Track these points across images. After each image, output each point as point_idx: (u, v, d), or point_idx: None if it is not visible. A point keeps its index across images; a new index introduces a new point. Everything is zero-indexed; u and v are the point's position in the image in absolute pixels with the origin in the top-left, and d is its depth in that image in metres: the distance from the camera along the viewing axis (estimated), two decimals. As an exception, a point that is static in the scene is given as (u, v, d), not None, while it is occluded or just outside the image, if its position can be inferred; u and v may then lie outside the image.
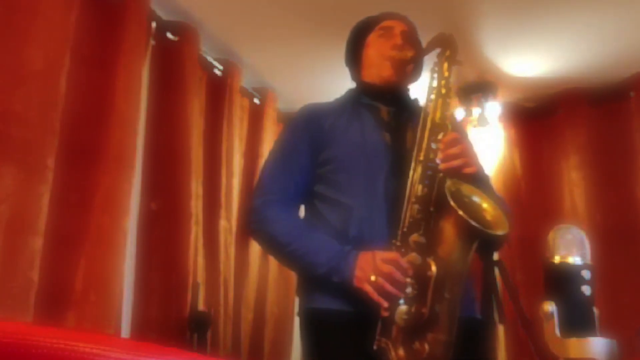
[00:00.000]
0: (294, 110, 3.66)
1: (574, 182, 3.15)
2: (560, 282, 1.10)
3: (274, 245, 1.56)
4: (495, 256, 1.55)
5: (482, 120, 3.18)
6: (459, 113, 3.27)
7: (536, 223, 3.01)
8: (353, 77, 1.76)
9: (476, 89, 3.17)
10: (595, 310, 1.08)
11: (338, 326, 1.41)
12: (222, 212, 2.69)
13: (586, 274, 1.09)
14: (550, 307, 1.07)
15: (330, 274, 1.40)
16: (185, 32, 2.59)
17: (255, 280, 2.89)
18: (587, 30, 2.70)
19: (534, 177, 3.29)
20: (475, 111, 3.18)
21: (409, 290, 1.33)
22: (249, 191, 2.93)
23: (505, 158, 3.30)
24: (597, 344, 1.04)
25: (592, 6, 2.55)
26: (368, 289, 1.34)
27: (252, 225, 1.59)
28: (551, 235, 1.14)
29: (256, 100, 3.17)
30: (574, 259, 1.10)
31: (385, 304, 1.32)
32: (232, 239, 2.73)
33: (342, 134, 1.57)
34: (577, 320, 1.06)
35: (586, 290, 1.08)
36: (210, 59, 2.83)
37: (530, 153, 3.34)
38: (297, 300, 3.29)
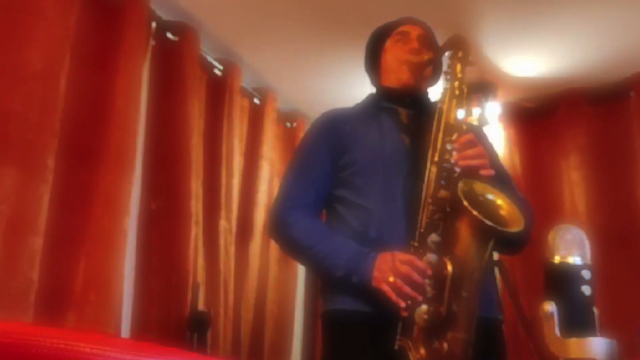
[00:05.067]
0: (294, 110, 3.67)
1: (574, 182, 3.15)
2: (560, 282, 1.10)
3: (296, 250, 1.58)
4: (495, 256, 1.55)
5: (482, 120, 3.17)
6: (459, 113, 3.27)
7: (536, 223, 3.01)
8: (372, 83, 1.78)
9: (476, 89, 3.16)
10: (595, 310, 1.08)
11: (359, 327, 1.42)
12: (222, 212, 2.69)
13: (586, 274, 1.09)
14: (550, 307, 1.07)
15: (349, 275, 1.42)
16: (185, 32, 2.59)
17: (255, 280, 2.89)
18: (587, 30, 2.70)
19: (534, 177, 3.29)
20: (475, 111, 3.17)
21: (427, 290, 1.34)
22: (249, 191, 2.94)
23: (505, 158, 3.30)
24: (597, 344, 1.04)
25: (592, 6, 2.55)
26: (386, 289, 1.35)
27: (275, 231, 1.61)
28: (551, 235, 1.14)
29: (256, 100, 3.17)
30: (574, 259, 1.10)
31: (403, 304, 1.33)
32: (232, 239, 2.73)
33: (361, 138, 1.59)
34: (577, 320, 1.06)
35: (586, 290, 1.08)
36: (210, 59, 2.83)
37: (530, 153, 3.33)
38: (297, 300, 3.30)
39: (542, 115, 3.33)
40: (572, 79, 3.09)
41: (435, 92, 1.71)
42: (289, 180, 1.67)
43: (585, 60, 2.93)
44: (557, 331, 1.05)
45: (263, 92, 3.18)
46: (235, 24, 2.71)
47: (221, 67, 2.88)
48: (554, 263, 1.11)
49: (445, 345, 1.30)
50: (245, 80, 3.01)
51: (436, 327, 1.31)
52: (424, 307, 1.33)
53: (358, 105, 1.73)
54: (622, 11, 2.56)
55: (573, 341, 1.04)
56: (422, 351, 1.31)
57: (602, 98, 3.18)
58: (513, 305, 1.37)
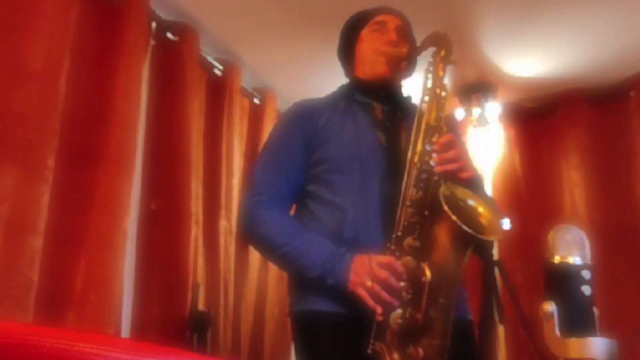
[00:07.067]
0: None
1: (574, 182, 3.15)
2: (560, 282, 1.10)
3: (267, 247, 1.51)
4: (495, 256, 1.55)
5: (482, 120, 3.18)
6: (459, 113, 3.28)
7: (536, 223, 3.01)
8: (346, 73, 1.73)
9: (476, 89, 3.17)
10: (595, 310, 1.08)
11: (331, 328, 1.38)
12: (222, 212, 2.69)
13: (586, 274, 1.09)
14: (550, 307, 1.07)
15: (324, 276, 1.37)
16: (185, 32, 2.59)
17: (255, 281, 2.89)
18: (587, 30, 2.70)
19: (534, 177, 3.29)
20: (475, 111, 3.18)
21: (403, 295, 1.32)
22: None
23: (505, 158, 3.30)
24: (597, 344, 1.04)
25: (592, 6, 2.55)
26: (363, 293, 1.31)
27: (245, 226, 1.54)
28: (551, 235, 1.14)
29: (256, 100, 3.17)
30: (574, 259, 1.11)
31: (380, 310, 1.30)
32: (232, 239, 2.73)
33: (336, 133, 1.53)
34: (577, 320, 1.06)
35: (586, 290, 1.08)
36: (210, 59, 2.83)
37: (530, 153, 3.34)
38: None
39: (542, 115, 3.33)
40: (572, 79, 3.09)
41: (409, 85, 1.67)
42: (258, 171, 1.58)
43: (585, 60, 2.93)
44: (557, 331, 1.05)
45: (263, 92, 3.18)
46: (235, 24, 2.71)
47: (221, 67, 2.88)
48: (554, 263, 1.11)
49: (420, 351, 1.28)
50: (245, 80, 3.01)
51: (412, 333, 1.29)
52: (399, 311, 1.30)
53: (329, 96, 1.66)
54: (622, 11, 2.57)
55: (573, 341, 1.04)
56: (396, 356, 1.29)
57: (602, 98, 3.18)
58: (513, 305, 1.37)
